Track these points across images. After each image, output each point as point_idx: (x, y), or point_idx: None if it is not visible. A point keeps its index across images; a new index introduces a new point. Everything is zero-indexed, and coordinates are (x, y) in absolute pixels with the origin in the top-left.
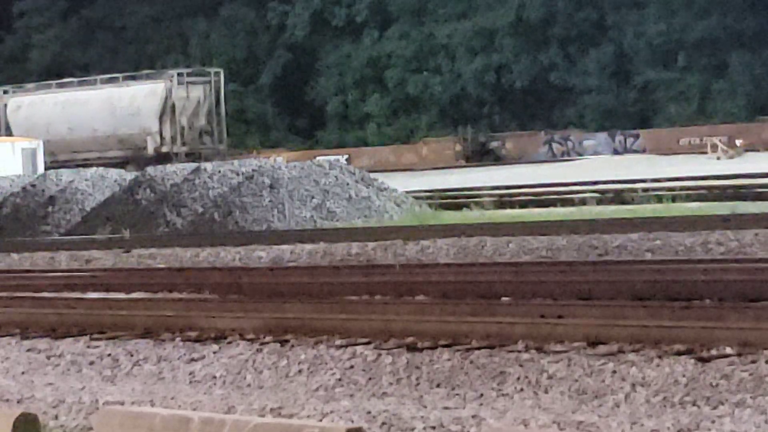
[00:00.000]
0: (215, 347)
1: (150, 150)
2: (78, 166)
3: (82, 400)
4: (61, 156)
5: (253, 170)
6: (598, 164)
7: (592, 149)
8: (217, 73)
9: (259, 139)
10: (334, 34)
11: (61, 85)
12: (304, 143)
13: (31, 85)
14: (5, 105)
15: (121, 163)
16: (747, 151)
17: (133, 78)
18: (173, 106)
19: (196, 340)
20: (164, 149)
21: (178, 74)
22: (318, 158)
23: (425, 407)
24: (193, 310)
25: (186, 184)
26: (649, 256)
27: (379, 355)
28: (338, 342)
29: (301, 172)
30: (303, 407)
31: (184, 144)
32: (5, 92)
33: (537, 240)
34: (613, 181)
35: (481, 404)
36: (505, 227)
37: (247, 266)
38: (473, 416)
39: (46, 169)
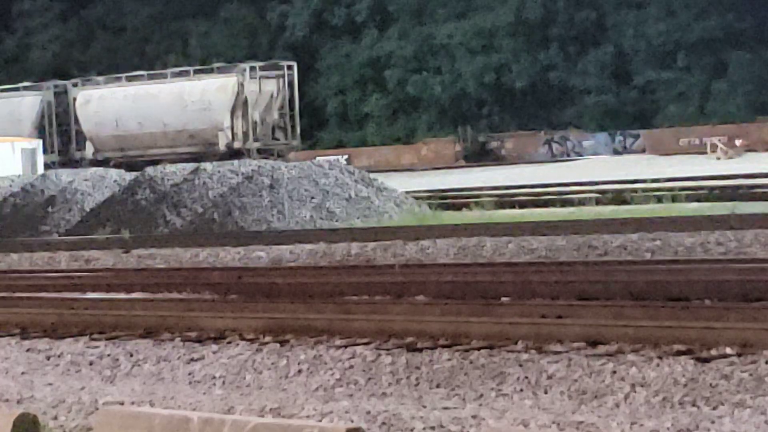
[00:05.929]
0: (215, 347)
1: (221, 146)
2: (147, 162)
3: (82, 400)
4: (130, 151)
5: (252, 170)
6: (597, 164)
7: (591, 149)
8: (290, 67)
9: None
10: (334, 34)
11: (130, 79)
12: (303, 143)
13: (100, 78)
14: (74, 99)
15: (193, 160)
16: (747, 151)
17: (205, 71)
18: (245, 101)
19: (196, 340)
20: (236, 145)
21: (251, 68)
22: (318, 158)
23: (425, 407)
24: (193, 310)
25: (186, 184)
26: (649, 256)
27: (379, 355)
28: (338, 342)
29: (300, 172)
30: (302, 407)
31: (256, 140)
32: (74, 85)
33: (537, 240)
34: (612, 182)
35: (481, 404)
36: (505, 227)
37: (247, 266)
38: (473, 416)
39: (115, 165)
